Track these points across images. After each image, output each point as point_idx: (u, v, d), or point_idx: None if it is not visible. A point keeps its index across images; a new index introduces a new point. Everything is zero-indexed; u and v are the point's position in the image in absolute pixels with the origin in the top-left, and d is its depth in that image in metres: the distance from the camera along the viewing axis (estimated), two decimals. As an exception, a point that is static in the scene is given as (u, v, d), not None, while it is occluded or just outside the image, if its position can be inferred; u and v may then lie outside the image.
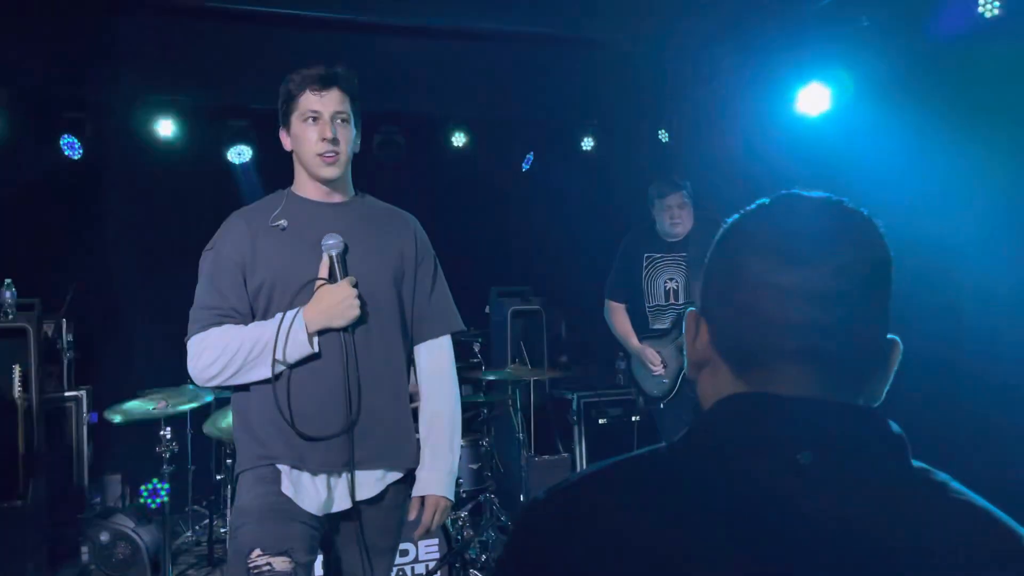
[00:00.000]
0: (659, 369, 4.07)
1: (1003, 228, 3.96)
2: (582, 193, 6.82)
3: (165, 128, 5.54)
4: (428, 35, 5.05)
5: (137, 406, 3.95)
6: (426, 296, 2.27)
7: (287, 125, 2.15)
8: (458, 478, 4.12)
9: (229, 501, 4.05)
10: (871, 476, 0.76)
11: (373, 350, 2.10)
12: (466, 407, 4.94)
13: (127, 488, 5.27)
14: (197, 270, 2.17)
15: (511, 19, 4.78)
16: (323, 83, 2.09)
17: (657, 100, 6.27)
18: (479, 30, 4.99)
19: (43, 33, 4.73)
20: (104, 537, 4.19)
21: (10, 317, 4.33)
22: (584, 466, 5.29)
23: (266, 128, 5.42)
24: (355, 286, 2.05)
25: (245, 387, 2.10)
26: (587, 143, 6.54)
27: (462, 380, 5.49)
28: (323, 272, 2.06)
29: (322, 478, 2.08)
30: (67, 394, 4.87)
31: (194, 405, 4.18)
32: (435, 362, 2.28)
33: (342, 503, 2.09)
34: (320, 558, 2.17)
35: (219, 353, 2.02)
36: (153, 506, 4.92)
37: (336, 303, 2.02)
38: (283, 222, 2.11)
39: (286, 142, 2.19)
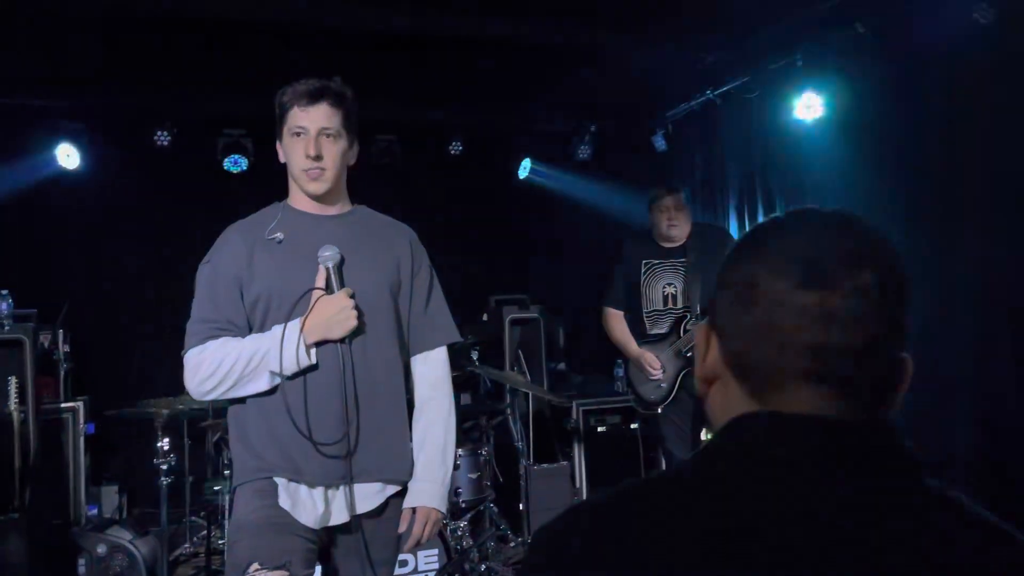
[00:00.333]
0: (657, 374, 4.07)
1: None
2: (579, 200, 6.82)
3: (160, 138, 5.54)
4: (425, 43, 5.06)
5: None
6: (422, 307, 2.27)
7: (280, 138, 2.16)
8: (457, 487, 4.12)
9: (227, 512, 4.03)
10: (886, 495, 0.76)
11: (371, 361, 2.10)
12: (465, 416, 4.93)
13: (124, 499, 5.25)
14: (193, 281, 2.16)
15: (508, 27, 4.79)
16: (310, 98, 2.07)
17: (654, 107, 6.28)
18: (476, 38, 5.00)
19: (39, 44, 4.74)
20: (101, 549, 4.16)
21: (6, 328, 4.31)
22: (583, 475, 5.30)
23: (261, 138, 5.45)
24: (352, 297, 2.05)
25: (241, 400, 2.09)
26: (584, 151, 6.55)
27: (460, 389, 5.51)
28: (320, 284, 2.05)
29: (320, 491, 2.07)
30: (63, 405, 4.85)
31: (191, 415, 4.18)
32: (432, 373, 2.28)
33: (340, 516, 2.08)
34: (318, 571, 2.16)
35: (216, 366, 2.01)
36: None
37: (333, 314, 2.01)
38: (279, 235, 2.10)
39: (280, 155, 2.19)
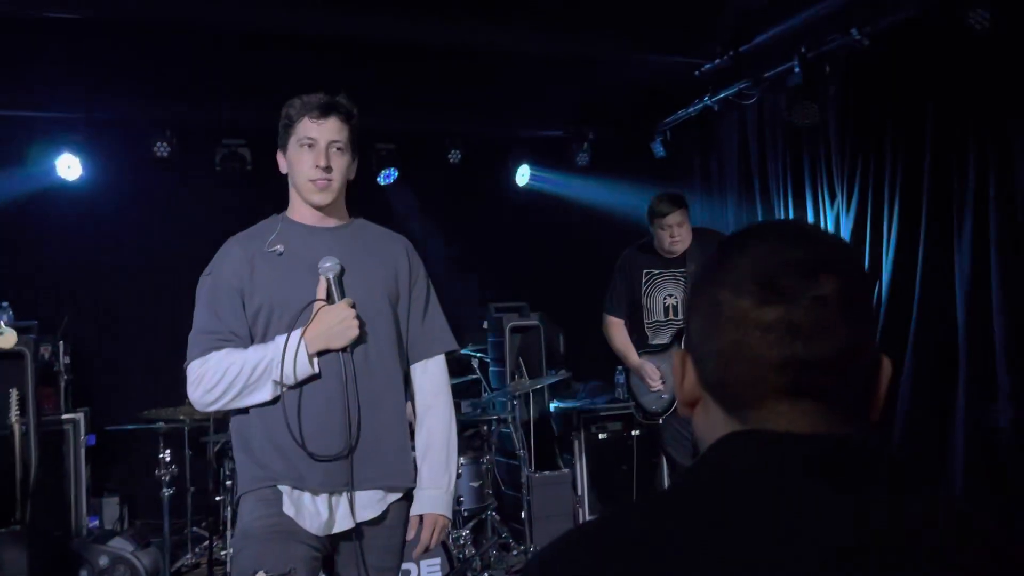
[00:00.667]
0: (658, 384, 4.06)
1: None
2: (578, 207, 6.83)
3: (160, 149, 5.55)
4: (423, 52, 5.07)
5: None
6: (420, 317, 2.30)
7: (284, 149, 2.18)
8: (459, 496, 4.12)
9: (229, 523, 4.03)
10: (874, 509, 0.76)
11: (372, 370, 2.13)
12: (466, 424, 4.93)
13: (125, 510, 5.25)
14: (193, 291, 2.18)
15: (506, 36, 4.81)
16: (322, 111, 2.11)
17: (652, 114, 6.29)
18: (474, 47, 5.01)
19: (40, 56, 4.75)
20: (102, 561, 4.16)
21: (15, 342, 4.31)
22: (585, 482, 5.30)
23: (261, 147, 5.46)
24: (353, 307, 2.08)
25: (244, 410, 2.11)
26: (582, 158, 6.56)
27: (461, 396, 5.51)
28: (321, 294, 2.09)
29: (323, 498, 2.09)
30: (64, 416, 4.85)
31: (192, 426, 4.18)
32: (431, 382, 2.31)
33: (344, 523, 2.10)
34: None
35: (220, 377, 2.04)
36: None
37: (335, 324, 2.05)
38: (279, 247, 2.14)
39: (282, 164, 2.21)
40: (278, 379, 2.02)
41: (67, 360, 5.07)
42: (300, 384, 2.06)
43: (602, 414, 5.49)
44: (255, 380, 2.03)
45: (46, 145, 5.44)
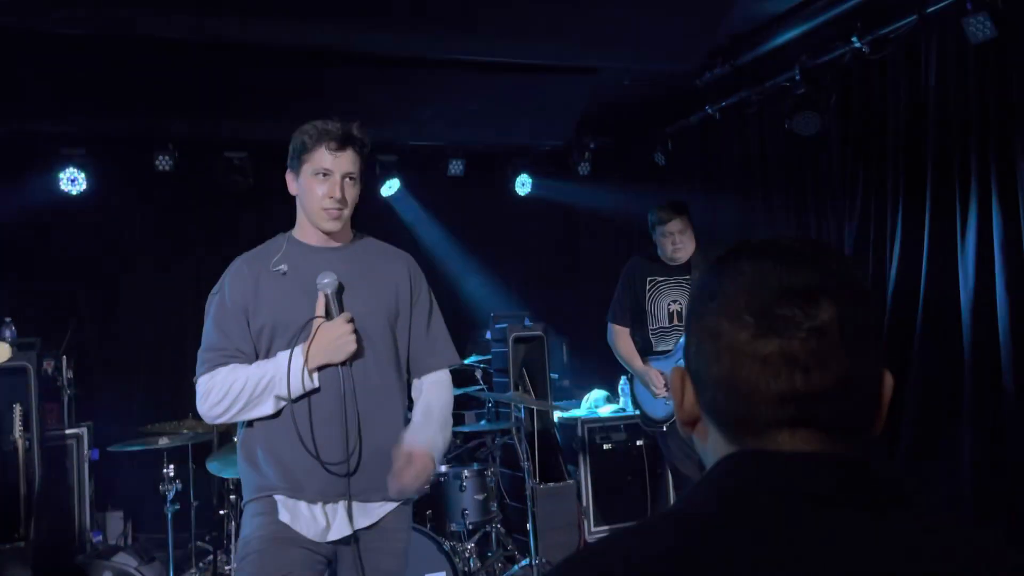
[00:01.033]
0: (662, 391, 4.06)
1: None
2: (579, 217, 6.83)
3: (162, 163, 5.56)
4: (422, 65, 5.08)
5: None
6: (423, 331, 2.36)
7: (296, 172, 2.24)
8: (464, 509, 4.10)
9: (233, 537, 4.01)
10: (874, 526, 0.75)
11: (371, 384, 2.20)
12: (470, 436, 4.92)
13: (129, 525, 5.23)
14: (195, 304, 2.33)
15: (507, 50, 4.82)
16: (340, 143, 2.18)
17: (653, 123, 6.30)
18: (475, 60, 5.02)
19: (42, 69, 4.76)
20: (107, 576, 4.14)
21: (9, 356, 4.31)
22: (589, 493, 5.27)
23: (263, 160, 5.47)
24: (351, 322, 2.15)
25: (249, 423, 2.20)
26: (583, 167, 6.56)
27: (466, 407, 5.49)
28: (319, 310, 2.16)
29: (319, 507, 2.16)
30: (68, 431, 4.84)
31: (196, 440, 4.16)
32: (434, 396, 2.37)
33: (341, 530, 2.16)
34: None
35: (225, 391, 2.13)
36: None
37: (334, 339, 2.12)
38: (283, 267, 2.22)
39: (292, 186, 2.27)
40: (280, 394, 2.11)
41: (70, 375, 5.06)
42: (302, 398, 2.13)
43: (606, 424, 5.47)
44: (258, 395, 2.12)
45: (48, 159, 5.46)
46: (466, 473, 4.11)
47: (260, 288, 2.20)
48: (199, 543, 4.95)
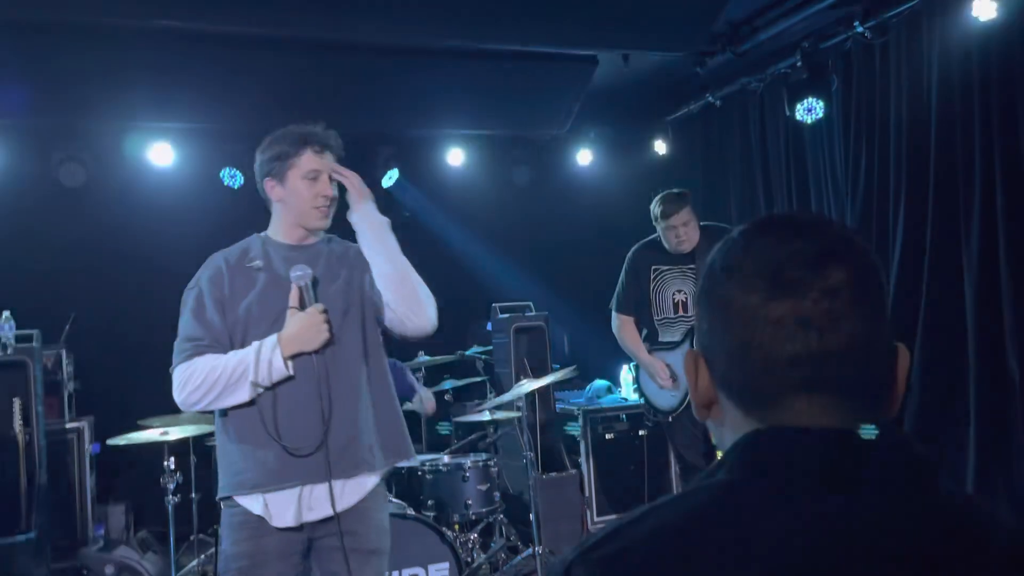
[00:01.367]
0: (668, 382, 4.03)
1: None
2: (580, 205, 6.80)
3: (162, 155, 5.53)
4: (422, 55, 5.05)
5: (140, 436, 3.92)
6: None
7: (281, 178, 2.33)
8: (467, 500, 4.09)
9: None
10: (899, 504, 0.74)
11: (343, 372, 2.29)
12: (473, 428, 4.91)
13: (131, 518, 5.22)
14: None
15: (507, 37, 4.78)
16: (323, 145, 2.33)
17: (654, 111, 6.27)
18: (474, 48, 4.99)
19: (40, 62, 4.73)
20: (109, 570, 4.14)
21: (9, 351, 4.29)
22: (592, 483, 5.26)
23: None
24: (324, 312, 2.25)
25: (224, 412, 2.29)
26: (584, 156, 6.53)
27: (469, 397, 5.48)
28: (294, 302, 2.26)
29: (296, 491, 2.23)
30: (68, 425, 4.82)
31: (197, 433, 4.15)
32: None
33: (322, 511, 2.23)
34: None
35: (202, 380, 2.20)
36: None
37: (308, 328, 2.22)
38: (258, 262, 2.34)
39: (275, 192, 2.36)
40: (255, 381, 2.19)
41: (70, 369, 5.04)
42: (276, 385, 2.22)
43: (609, 414, 5.46)
44: (234, 382, 2.19)
45: (47, 152, 5.43)
46: (469, 463, 4.10)
47: (235, 283, 2.30)
48: (201, 536, 4.95)
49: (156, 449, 4.06)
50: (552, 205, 6.77)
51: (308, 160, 2.30)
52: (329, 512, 2.22)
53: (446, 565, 3.59)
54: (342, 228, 2.49)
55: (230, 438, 2.28)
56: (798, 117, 4.80)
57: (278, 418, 2.22)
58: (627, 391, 5.69)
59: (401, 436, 2.40)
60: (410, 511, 3.69)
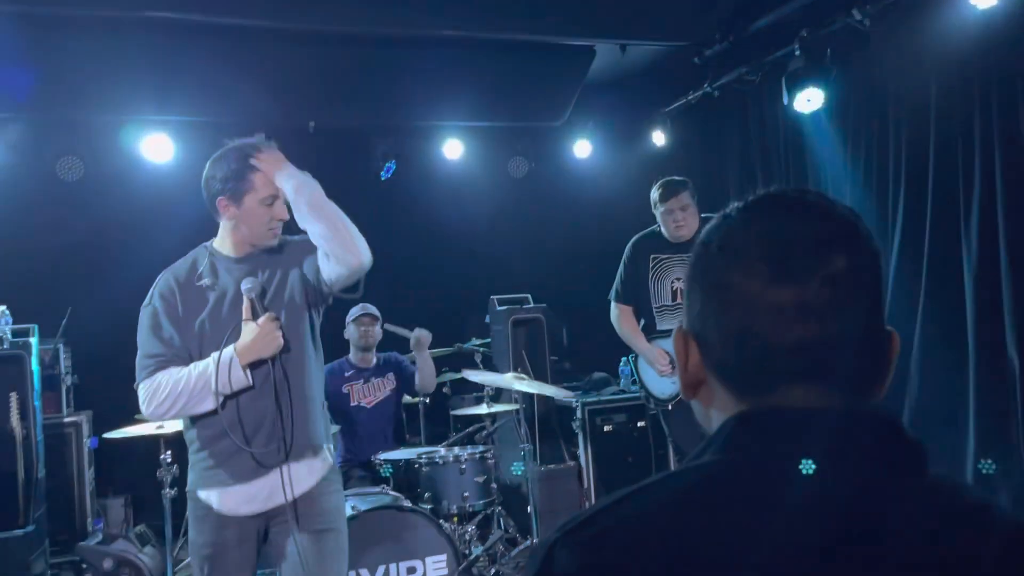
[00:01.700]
0: (667, 369, 4.03)
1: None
2: (579, 197, 6.78)
3: (161, 148, 5.51)
4: (418, 46, 5.02)
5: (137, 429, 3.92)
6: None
7: (237, 200, 2.40)
8: (464, 492, 4.08)
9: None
10: (887, 486, 0.74)
11: (298, 372, 2.44)
12: (471, 420, 4.90)
13: (130, 512, 5.22)
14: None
15: (502, 27, 4.76)
16: (281, 165, 2.40)
17: (652, 102, 6.24)
18: (471, 39, 4.96)
19: (39, 55, 4.71)
20: (107, 564, 4.13)
21: (5, 345, 4.28)
22: (591, 475, 5.26)
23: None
24: (276, 319, 2.37)
25: (191, 420, 2.45)
26: (582, 147, 6.51)
27: (466, 391, 5.47)
28: (246, 314, 2.38)
29: (254, 484, 2.39)
30: (67, 420, 4.82)
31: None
32: None
33: (276, 498, 2.38)
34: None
35: (167, 393, 2.34)
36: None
37: (261, 337, 2.34)
38: (206, 280, 2.45)
39: (229, 212, 2.42)
40: (216, 391, 2.32)
41: (68, 363, 5.04)
42: (237, 393, 2.37)
43: (607, 406, 5.45)
44: (197, 393, 2.33)
45: (44, 146, 5.41)
46: (466, 456, 4.09)
47: (187, 301, 2.41)
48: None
49: (153, 443, 4.06)
50: (550, 197, 6.75)
51: (264, 184, 2.39)
52: (282, 500, 2.37)
53: (443, 557, 3.59)
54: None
55: (194, 439, 2.45)
56: (796, 107, 4.77)
57: (242, 422, 2.37)
58: (625, 383, 5.68)
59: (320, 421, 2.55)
60: (407, 503, 3.68)
